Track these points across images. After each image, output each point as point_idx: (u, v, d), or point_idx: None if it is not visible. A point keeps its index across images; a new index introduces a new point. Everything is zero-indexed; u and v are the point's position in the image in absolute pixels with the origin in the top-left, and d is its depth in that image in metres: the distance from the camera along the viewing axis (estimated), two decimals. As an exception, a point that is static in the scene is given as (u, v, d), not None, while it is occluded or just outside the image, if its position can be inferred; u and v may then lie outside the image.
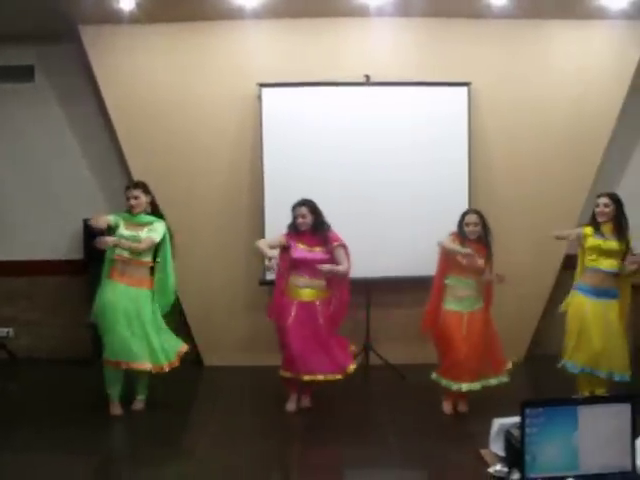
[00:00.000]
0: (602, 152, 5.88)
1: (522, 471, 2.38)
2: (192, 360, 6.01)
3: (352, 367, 4.74)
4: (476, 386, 4.58)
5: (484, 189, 5.87)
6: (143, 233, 4.59)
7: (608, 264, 4.58)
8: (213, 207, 5.92)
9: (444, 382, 4.62)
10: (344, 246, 4.72)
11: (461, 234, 4.63)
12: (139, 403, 4.76)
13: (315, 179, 5.64)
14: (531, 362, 6.01)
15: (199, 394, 5.54)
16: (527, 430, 2.35)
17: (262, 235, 5.55)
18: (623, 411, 2.40)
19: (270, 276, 5.12)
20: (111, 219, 4.63)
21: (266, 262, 4.59)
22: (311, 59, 5.75)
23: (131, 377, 4.71)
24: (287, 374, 4.70)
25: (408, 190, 5.75)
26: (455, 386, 4.55)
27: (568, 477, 2.40)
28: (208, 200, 5.91)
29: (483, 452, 2.94)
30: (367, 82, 5.76)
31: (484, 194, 5.84)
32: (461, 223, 4.66)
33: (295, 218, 4.70)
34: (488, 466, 2.78)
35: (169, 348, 4.71)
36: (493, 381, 4.65)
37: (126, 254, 4.59)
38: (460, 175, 5.77)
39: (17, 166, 6.22)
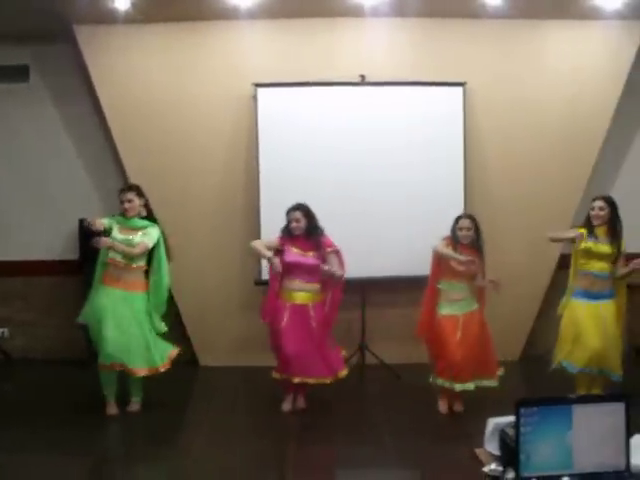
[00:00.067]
0: (597, 152, 5.89)
1: (517, 470, 2.38)
2: (187, 360, 6.02)
3: (344, 372, 4.77)
4: (470, 386, 4.59)
5: (479, 189, 5.88)
6: (137, 237, 4.58)
7: (599, 267, 4.60)
8: (208, 207, 5.92)
9: (440, 381, 4.63)
10: (337, 252, 4.72)
11: (454, 239, 4.64)
12: (135, 405, 4.75)
13: (310, 179, 5.65)
14: (526, 362, 6.03)
15: (194, 394, 5.54)
16: (521, 429, 2.35)
17: (257, 235, 5.55)
18: (617, 410, 2.40)
19: (267, 276, 5.12)
20: (105, 222, 4.62)
21: (270, 262, 4.58)
22: (306, 59, 5.75)
23: (125, 379, 4.70)
24: (278, 375, 4.71)
25: (403, 190, 5.75)
26: (450, 385, 4.56)
27: (563, 476, 2.40)
28: (203, 200, 5.90)
29: (478, 451, 2.94)
30: (362, 82, 5.77)
31: (479, 194, 5.85)
32: (454, 227, 4.66)
33: (289, 222, 4.70)
34: (483, 465, 2.78)
35: (163, 349, 4.70)
36: (486, 382, 4.66)
37: (119, 258, 4.58)
38: (455, 175, 5.78)
39: (12, 166, 6.21)
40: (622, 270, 4.62)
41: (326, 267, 4.60)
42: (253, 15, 5.48)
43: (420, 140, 5.77)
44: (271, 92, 5.72)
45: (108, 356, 4.47)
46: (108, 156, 6.13)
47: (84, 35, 5.66)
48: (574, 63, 5.83)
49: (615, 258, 4.62)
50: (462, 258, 4.51)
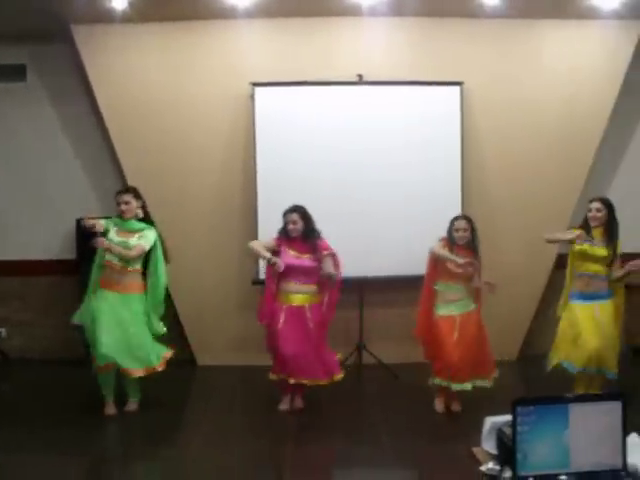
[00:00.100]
0: (594, 152, 5.90)
1: (514, 469, 2.38)
2: (185, 360, 6.03)
3: (339, 376, 4.77)
4: (467, 386, 4.60)
5: (477, 189, 5.89)
6: (133, 240, 4.58)
7: (595, 269, 4.62)
8: (206, 207, 5.92)
9: (437, 381, 4.64)
10: (333, 255, 4.72)
11: (450, 240, 4.65)
12: (132, 404, 4.75)
13: (308, 178, 5.65)
14: (524, 362, 6.03)
15: (192, 394, 5.54)
16: (518, 428, 2.35)
17: (255, 235, 5.55)
18: (614, 409, 2.41)
19: (264, 276, 5.11)
20: (102, 224, 4.62)
21: (271, 262, 4.58)
22: (304, 58, 5.75)
23: (123, 380, 4.70)
24: (275, 376, 4.72)
25: (401, 189, 5.75)
26: (447, 384, 4.57)
27: (560, 475, 2.40)
28: (201, 200, 5.90)
29: (475, 450, 2.95)
30: (360, 82, 5.77)
31: (477, 194, 5.86)
32: (450, 228, 4.67)
33: (286, 224, 4.70)
34: (480, 464, 2.79)
35: (158, 350, 4.71)
36: (480, 382, 4.67)
37: (116, 261, 4.58)
38: (453, 175, 5.78)
39: (9, 166, 6.20)
40: (618, 272, 4.63)
41: (326, 271, 4.61)
42: (251, 14, 5.48)
43: (417, 140, 5.77)
44: (269, 91, 5.72)
45: (102, 357, 4.47)
46: (105, 156, 6.12)
47: (81, 35, 5.65)
48: (571, 63, 5.84)
49: (611, 261, 4.63)
50: (460, 260, 4.51)
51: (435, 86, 5.81)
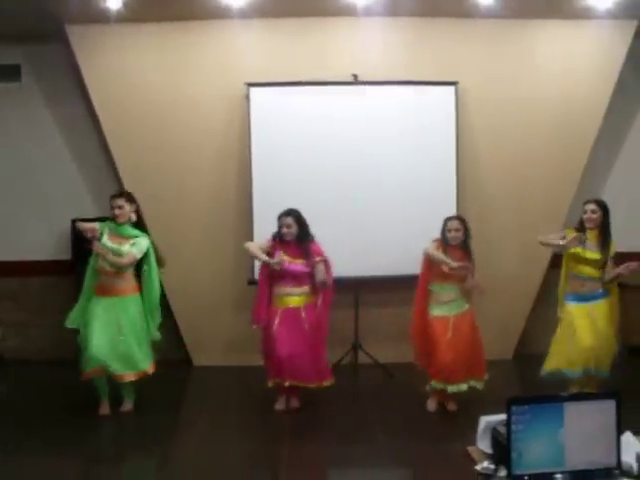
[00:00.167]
0: (589, 151, 5.91)
1: (508, 468, 2.40)
2: (181, 360, 6.03)
3: (328, 382, 4.78)
4: (463, 387, 4.62)
5: (472, 189, 5.90)
6: (126, 247, 4.59)
7: (588, 271, 4.64)
8: (201, 207, 5.91)
9: (433, 384, 4.64)
10: (326, 261, 4.73)
11: (444, 240, 4.66)
12: (127, 405, 4.75)
13: (303, 178, 5.66)
14: (519, 361, 6.05)
15: (188, 394, 5.54)
16: (513, 427, 2.37)
17: (250, 235, 5.56)
18: (608, 408, 2.42)
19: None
20: (97, 228, 4.65)
21: (268, 263, 4.60)
22: (299, 58, 5.75)
23: (117, 382, 4.71)
24: (272, 383, 4.71)
25: (396, 190, 5.75)
26: (443, 386, 4.58)
27: (556, 473, 2.41)
28: (196, 200, 5.90)
29: (470, 449, 2.96)
30: (355, 81, 5.77)
31: (472, 194, 5.87)
32: (444, 229, 4.68)
33: (280, 227, 4.71)
34: (475, 463, 2.80)
35: (148, 354, 4.73)
36: (473, 383, 4.68)
37: (108, 267, 4.59)
38: (448, 175, 5.78)
39: (4, 166, 6.19)
40: (609, 274, 4.65)
41: (317, 279, 4.63)
42: (246, 15, 5.48)
43: (412, 139, 5.77)
44: (264, 91, 5.72)
45: (93, 358, 4.48)
46: (101, 156, 6.11)
47: (76, 35, 5.64)
48: (565, 62, 5.85)
49: (603, 263, 4.64)
50: (454, 264, 4.52)
51: (430, 86, 5.81)
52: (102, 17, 5.35)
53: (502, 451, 2.48)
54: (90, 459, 4.05)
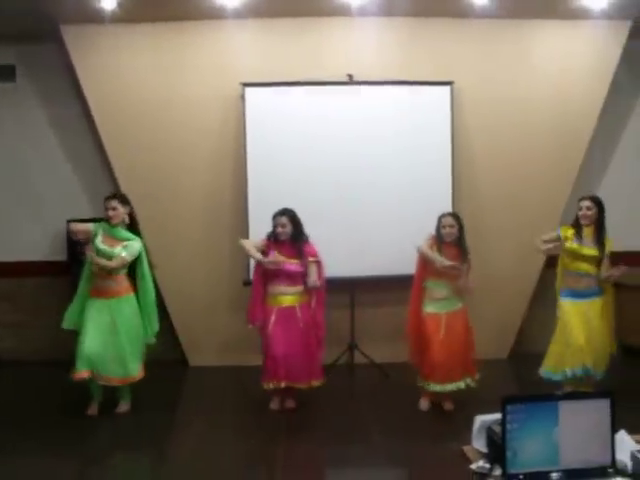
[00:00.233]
0: (584, 151, 5.93)
1: (503, 467, 2.39)
2: (177, 360, 6.02)
3: (318, 382, 4.79)
4: (460, 385, 4.63)
5: (467, 188, 5.90)
6: (117, 249, 4.59)
7: (584, 268, 4.66)
8: (197, 208, 5.91)
9: (431, 386, 4.65)
10: (319, 262, 4.75)
11: (438, 237, 4.67)
12: (124, 406, 4.76)
13: (298, 178, 5.66)
14: (515, 360, 6.05)
15: (184, 394, 5.53)
16: (508, 426, 2.36)
17: (246, 235, 5.55)
18: (603, 406, 2.42)
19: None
20: (91, 228, 4.69)
21: (263, 262, 4.62)
22: (294, 58, 5.75)
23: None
24: (267, 385, 4.70)
25: (391, 189, 5.76)
26: (441, 388, 4.59)
27: (550, 472, 2.41)
28: (192, 200, 5.89)
29: (465, 449, 2.96)
30: (350, 81, 5.77)
31: (467, 194, 5.88)
32: (438, 226, 4.69)
33: (275, 227, 4.72)
34: (471, 463, 2.80)
35: (138, 360, 4.72)
36: (469, 381, 4.69)
37: (99, 269, 4.61)
38: (443, 174, 5.79)
39: (-1, 166, 6.18)
40: (603, 274, 4.65)
41: (309, 282, 4.65)
42: (240, 15, 5.48)
43: (408, 139, 5.78)
44: (259, 91, 5.71)
45: (84, 359, 4.49)
46: (96, 156, 6.11)
47: (71, 35, 5.63)
48: (560, 62, 5.86)
49: (600, 260, 4.65)
50: (445, 263, 4.54)
51: (425, 86, 5.81)
52: (97, 17, 5.35)
53: (497, 450, 2.48)
54: (86, 460, 4.04)
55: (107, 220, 4.66)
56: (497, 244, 5.89)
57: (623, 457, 2.45)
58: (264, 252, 4.71)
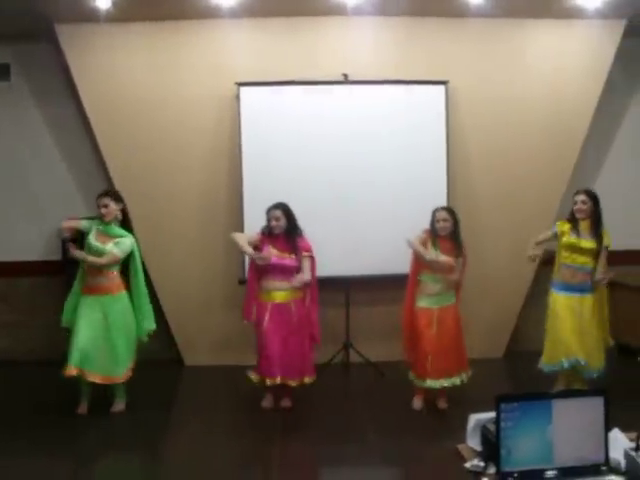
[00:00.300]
0: (579, 150, 5.94)
1: (498, 465, 2.41)
2: (172, 360, 6.02)
3: (309, 379, 4.79)
4: (456, 381, 4.63)
5: (462, 188, 5.91)
6: (109, 246, 4.60)
7: (582, 261, 4.66)
8: (192, 207, 5.90)
9: (416, 381, 4.67)
10: (312, 257, 4.76)
11: (433, 231, 4.68)
12: (119, 405, 4.75)
13: (293, 177, 5.66)
14: (510, 358, 6.06)
15: (179, 393, 5.52)
16: (502, 424, 2.38)
17: (241, 234, 5.55)
18: (596, 404, 2.44)
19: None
20: (85, 224, 4.70)
21: (254, 257, 4.63)
22: (289, 58, 5.75)
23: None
24: (254, 376, 4.72)
25: (386, 188, 5.76)
26: (435, 383, 4.59)
27: (544, 470, 2.42)
28: (187, 199, 5.88)
29: (460, 447, 2.98)
30: (345, 81, 5.77)
31: (462, 193, 5.88)
32: (432, 220, 4.71)
33: (269, 221, 4.72)
34: (465, 461, 2.82)
35: (127, 360, 4.69)
36: (464, 376, 4.70)
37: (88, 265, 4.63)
38: (438, 173, 5.79)
39: (-7, 166, 6.16)
40: (597, 277, 4.66)
41: (296, 280, 4.64)
42: (236, 14, 5.47)
43: (403, 139, 5.78)
44: (254, 91, 5.71)
45: (76, 357, 4.49)
46: (91, 155, 6.09)
47: (65, 34, 5.62)
48: (555, 61, 5.87)
49: (598, 252, 4.67)
50: (428, 257, 4.56)
51: (420, 85, 5.81)
52: (92, 17, 5.33)
53: (491, 448, 2.50)
54: (80, 459, 4.03)
55: (100, 217, 4.66)
56: (492, 243, 5.90)
57: (616, 455, 2.46)
58: (257, 247, 4.71)
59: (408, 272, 4.81)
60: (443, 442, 3.87)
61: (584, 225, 4.71)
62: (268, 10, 5.57)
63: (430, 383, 4.60)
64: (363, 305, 5.91)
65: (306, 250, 4.73)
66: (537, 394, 2.45)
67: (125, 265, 4.73)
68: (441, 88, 5.79)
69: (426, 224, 4.76)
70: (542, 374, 4.82)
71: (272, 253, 4.65)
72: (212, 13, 5.47)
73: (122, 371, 4.65)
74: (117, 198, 4.71)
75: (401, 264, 4.98)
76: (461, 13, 5.59)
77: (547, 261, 5.06)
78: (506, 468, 2.39)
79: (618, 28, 5.75)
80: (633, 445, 2.46)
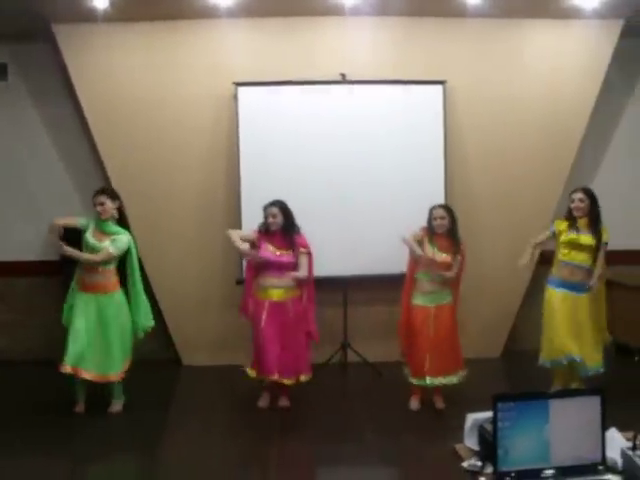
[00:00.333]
0: (576, 149, 5.95)
1: (495, 465, 2.41)
2: (170, 359, 6.02)
3: (305, 377, 4.79)
4: (453, 380, 4.65)
5: (460, 187, 5.91)
6: (105, 243, 4.61)
7: (581, 258, 4.67)
8: (189, 207, 5.89)
9: (414, 380, 4.68)
10: (309, 254, 4.76)
11: (430, 229, 4.69)
12: (116, 405, 4.75)
13: (291, 177, 5.65)
14: (508, 358, 6.07)
15: (177, 393, 5.52)
16: (499, 424, 2.38)
17: (239, 234, 5.54)
18: (593, 404, 2.44)
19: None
20: (82, 222, 4.70)
21: (245, 253, 4.65)
22: (287, 58, 5.74)
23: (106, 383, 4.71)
24: (252, 372, 4.73)
25: (384, 188, 5.76)
26: (427, 381, 4.61)
27: (542, 470, 2.43)
28: (184, 199, 5.88)
29: (458, 447, 2.98)
30: (343, 80, 5.77)
31: (460, 192, 5.88)
32: (429, 218, 4.72)
33: (266, 218, 4.73)
34: (463, 461, 2.82)
35: (121, 359, 4.69)
36: (461, 374, 4.71)
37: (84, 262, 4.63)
38: (436, 173, 5.80)
39: (-10, 166, 6.16)
40: (591, 282, 4.67)
41: (292, 274, 4.65)
42: (233, 14, 5.47)
43: (400, 138, 5.78)
44: (252, 91, 5.71)
45: (72, 356, 4.49)
46: (88, 155, 6.09)
47: (63, 34, 5.61)
48: (553, 61, 5.87)
49: (597, 249, 4.67)
50: (418, 252, 4.58)
51: (418, 85, 5.81)
52: (89, 16, 5.33)
53: (489, 448, 2.50)
54: (77, 459, 4.04)
55: (98, 215, 4.67)
56: (490, 242, 5.90)
57: (613, 454, 2.47)
58: (254, 244, 4.72)
59: (405, 272, 4.81)
60: (440, 442, 3.88)
61: (582, 223, 4.72)
62: (266, 10, 5.57)
63: (429, 381, 4.60)
64: (361, 305, 5.91)
65: (303, 246, 4.73)
66: (534, 394, 2.46)
67: (123, 262, 4.74)
68: (439, 88, 5.80)
69: (424, 224, 4.77)
70: (539, 374, 4.83)
71: (269, 250, 4.65)
72: (210, 13, 5.47)
73: (117, 370, 4.65)
74: (113, 196, 4.72)
75: (399, 264, 4.98)
76: (459, 13, 5.60)
77: (545, 260, 5.06)
78: (503, 468, 2.39)
79: (615, 28, 5.75)
80: (630, 444, 2.46)
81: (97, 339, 4.59)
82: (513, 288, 6.01)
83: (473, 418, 2.81)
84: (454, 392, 4.70)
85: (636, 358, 5.89)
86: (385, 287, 5.62)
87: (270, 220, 4.71)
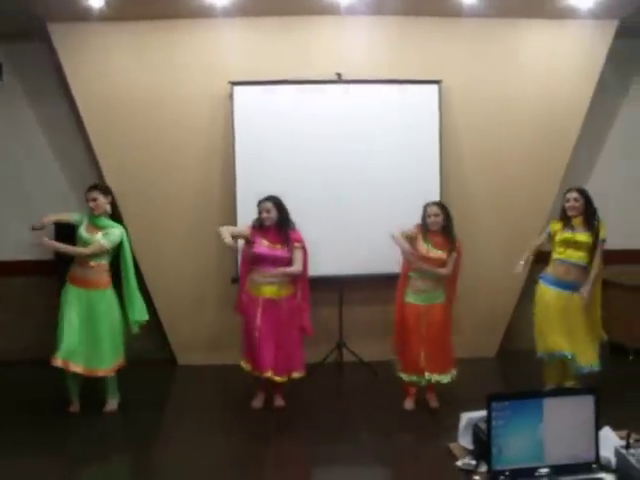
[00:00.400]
0: (571, 149, 5.96)
1: (489, 464, 2.41)
2: (166, 359, 6.01)
3: (297, 374, 4.79)
4: (445, 378, 4.65)
5: (455, 187, 5.92)
6: (98, 236, 4.62)
7: (577, 257, 4.67)
8: (185, 206, 5.89)
9: (406, 377, 4.68)
10: (304, 248, 4.76)
11: (424, 226, 4.70)
12: (111, 405, 4.75)
13: (286, 176, 5.65)
14: (503, 357, 6.08)
15: (172, 393, 5.51)
16: (493, 423, 2.39)
17: (234, 234, 5.54)
18: (587, 403, 2.45)
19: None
20: (76, 217, 4.74)
21: (232, 247, 4.68)
22: (282, 57, 5.74)
23: (102, 381, 4.71)
24: (247, 366, 4.73)
25: (379, 187, 5.77)
26: (421, 378, 4.61)
27: (536, 469, 2.43)
28: (180, 199, 5.87)
29: (452, 446, 2.99)
30: (339, 80, 5.77)
31: (455, 192, 5.89)
32: (423, 215, 4.73)
33: (260, 213, 4.74)
34: (457, 459, 2.83)
35: (112, 357, 4.68)
36: (453, 373, 4.71)
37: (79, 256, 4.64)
38: (432, 173, 5.80)
39: (-14, 165, 6.14)
40: (581, 289, 4.67)
41: (278, 271, 4.63)
42: (229, 13, 5.47)
43: (396, 138, 5.78)
44: (247, 90, 5.71)
45: (64, 350, 4.50)
46: (84, 155, 6.08)
47: (58, 33, 5.60)
48: (548, 62, 5.88)
49: (593, 247, 4.68)
50: (406, 248, 4.61)
51: (414, 84, 5.81)
52: (84, 15, 5.32)
53: (483, 447, 2.51)
54: (73, 459, 4.03)
55: (91, 211, 4.69)
56: (485, 242, 5.91)
57: (607, 453, 2.48)
58: (249, 240, 4.72)
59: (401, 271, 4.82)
60: (435, 441, 3.88)
61: (577, 221, 4.73)
62: (261, 9, 5.57)
63: (427, 376, 4.60)
64: (356, 304, 5.92)
65: (297, 241, 4.73)
66: (528, 393, 2.46)
67: (116, 257, 4.74)
68: (434, 88, 5.80)
69: (418, 221, 4.78)
70: (535, 373, 4.84)
71: (264, 245, 4.65)
72: (205, 12, 5.47)
73: (107, 366, 4.64)
74: (106, 191, 4.75)
75: (394, 263, 4.98)
76: (454, 13, 5.61)
77: (540, 260, 5.07)
78: (497, 466, 2.40)
79: (610, 29, 5.77)
80: (624, 443, 2.47)
81: (87, 334, 4.59)
82: (508, 288, 6.02)
83: (467, 417, 2.82)
84: (449, 391, 4.71)
85: (631, 357, 5.91)
86: (381, 287, 5.63)
87: (264, 215, 4.71)
